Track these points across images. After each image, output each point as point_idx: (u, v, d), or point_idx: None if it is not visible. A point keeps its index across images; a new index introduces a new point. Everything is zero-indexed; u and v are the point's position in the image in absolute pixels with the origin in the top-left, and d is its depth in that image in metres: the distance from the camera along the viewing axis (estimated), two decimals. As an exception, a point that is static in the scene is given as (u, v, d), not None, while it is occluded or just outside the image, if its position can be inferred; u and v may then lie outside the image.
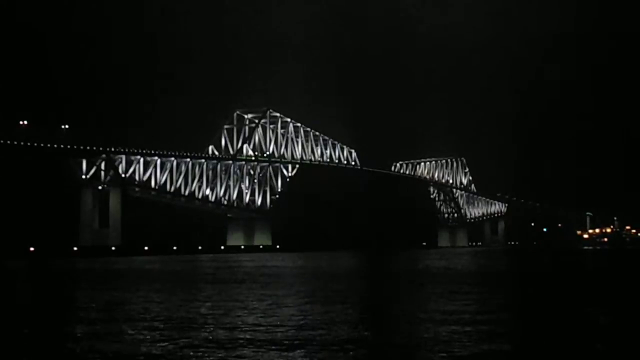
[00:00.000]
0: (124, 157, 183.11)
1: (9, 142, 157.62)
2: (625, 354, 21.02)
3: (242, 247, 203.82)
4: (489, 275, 66.50)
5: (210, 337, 23.10)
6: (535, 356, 20.71)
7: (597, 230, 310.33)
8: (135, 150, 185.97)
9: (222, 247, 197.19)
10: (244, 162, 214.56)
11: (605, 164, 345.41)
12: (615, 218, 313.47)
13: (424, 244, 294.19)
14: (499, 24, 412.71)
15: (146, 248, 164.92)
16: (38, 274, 75.46)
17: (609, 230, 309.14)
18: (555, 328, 25.92)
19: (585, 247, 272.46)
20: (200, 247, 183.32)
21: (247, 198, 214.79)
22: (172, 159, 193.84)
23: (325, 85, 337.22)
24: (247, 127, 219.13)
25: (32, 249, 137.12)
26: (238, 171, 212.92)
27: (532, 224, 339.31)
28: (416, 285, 50.99)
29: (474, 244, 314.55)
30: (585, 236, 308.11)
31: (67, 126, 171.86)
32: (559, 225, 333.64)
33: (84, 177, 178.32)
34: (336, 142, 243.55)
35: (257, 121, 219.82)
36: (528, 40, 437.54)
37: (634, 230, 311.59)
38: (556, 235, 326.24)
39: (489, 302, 35.32)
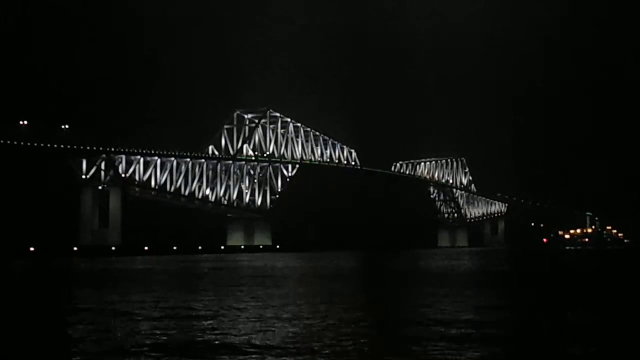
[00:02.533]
0: (124, 157, 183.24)
1: (9, 142, 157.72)
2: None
3: (242, 247, 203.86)
4: (480, 276, 66.61)
5: (207, 339, 23.12)
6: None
7: (579, 231, 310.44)
8: (135, 150, 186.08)
9: (222, 247, 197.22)
10: (244, 162, 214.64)
11: (605, 164, 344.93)
12: (596, 218, 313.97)
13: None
14: (499, 25, 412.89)
15: (146, 248, 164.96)
16: (38, 273, 75.45)
17: (589, 230, 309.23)
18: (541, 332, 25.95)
19: (567, 247, 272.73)
20: (200, 247, 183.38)
21: (247, 198, 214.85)
22: (172, 159, 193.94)
23: (325, 86, 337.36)
24: (247, 127, 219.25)
25: (32, 249, 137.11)
26: (238, 171, 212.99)
27: (532, 224, 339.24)
28: (414, 285, 51.03)
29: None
30: (567, 236, 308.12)
31: (67, 126, 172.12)
32: (541, 225, 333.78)
33: (84, 177, 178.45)
34: (336, 142, 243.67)
35: (257, 121, 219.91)
36: (528, 40, 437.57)
37: (614, 231, 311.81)
38: (537, 235, 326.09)
39: (484, 303, 35.39)
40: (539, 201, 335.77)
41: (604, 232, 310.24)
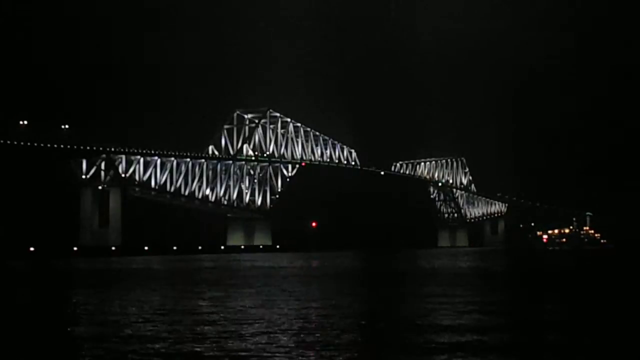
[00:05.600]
0: (124, 157, 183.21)
1: (9, 142, 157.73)
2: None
3: (242, 247, 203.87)
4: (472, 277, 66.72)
5: (206, 341, 23.18)
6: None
7: (557, 231, 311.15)
8: (135, 150, 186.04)
9: (222, 247, 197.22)
10: (244, 162, 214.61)
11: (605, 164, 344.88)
12: (574, 219, 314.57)
13: None
14: (499, 25, 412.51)
15: (146, 248, 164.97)
16: (38, 274, 75.50)
17: (567, 231, 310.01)
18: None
19: (550, 248, 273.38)
20: (200, 247, 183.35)
21: (247, 198, 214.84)
22: (172, 159, 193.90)
23: (325, 85, 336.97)
24: (247, 127, 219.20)
25: (32, 249, 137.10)
26: (238, 171, 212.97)
27: (532, 224, 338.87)
28: (413, 285, 51.09)
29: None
30: (545, 237, 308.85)
31: (67, 126, 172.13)
32: (521, 226, 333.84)
33: (84, 177, 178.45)
34: (336, 142, 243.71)
35: (257, 121, 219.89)
36: (528, 40, 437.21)
37: (592, 231, 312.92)
38: (518, 236, 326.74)
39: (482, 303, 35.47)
40: (539, 201, 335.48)
41: (582, 232, 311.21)
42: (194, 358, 20.15)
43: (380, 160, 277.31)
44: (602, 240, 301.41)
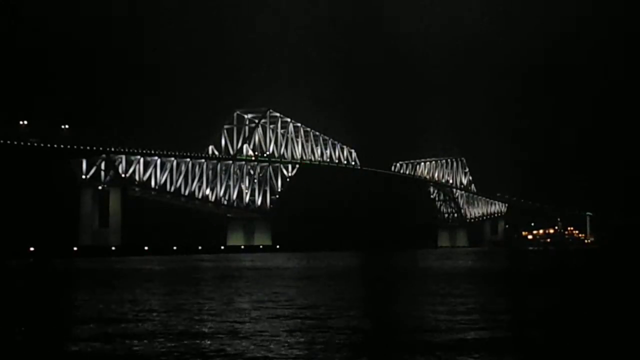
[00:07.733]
0: (124, 157, 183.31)
1: (9, 142, 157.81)
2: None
3: (242, 247, 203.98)
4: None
5: (203, 340, 23.25)
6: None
7: (541, 231, 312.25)
8: (135, 150, 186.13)
9: (222, 247, 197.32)
10: (244, 162, 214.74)
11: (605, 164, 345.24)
12: (559, 219, 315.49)
13: None
14: (499, 24, 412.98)
15: (146, 248, 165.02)
16: (38, 274, 75.54)
17: (552, 231, 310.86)
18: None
19: (531, 248, 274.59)
20: (200, 247, 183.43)
21: (247, 198, 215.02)
22: (172, 159, 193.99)
23: (325, 86, 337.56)
24: (247, 127, 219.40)
25: (32, 249, 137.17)
26: (238, 171, 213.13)
27: (532, 224, 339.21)
28: (413, 286, 51.15)
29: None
30: (530, 237, 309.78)
31: (67, 126, 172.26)
32: (506, 226, 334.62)
33: (84, 177, 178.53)
34: (336, 142, 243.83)
35: (257, 121, 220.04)
36: (528, 41, 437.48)
37: (576, 231, 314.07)
38: (504, 236, 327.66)
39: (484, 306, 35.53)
40: (539, 201, 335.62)
41: (566, 232, 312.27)
42: (192, 356, 20.21)
43: (380, 160, 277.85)
44: (585, 241, 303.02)
